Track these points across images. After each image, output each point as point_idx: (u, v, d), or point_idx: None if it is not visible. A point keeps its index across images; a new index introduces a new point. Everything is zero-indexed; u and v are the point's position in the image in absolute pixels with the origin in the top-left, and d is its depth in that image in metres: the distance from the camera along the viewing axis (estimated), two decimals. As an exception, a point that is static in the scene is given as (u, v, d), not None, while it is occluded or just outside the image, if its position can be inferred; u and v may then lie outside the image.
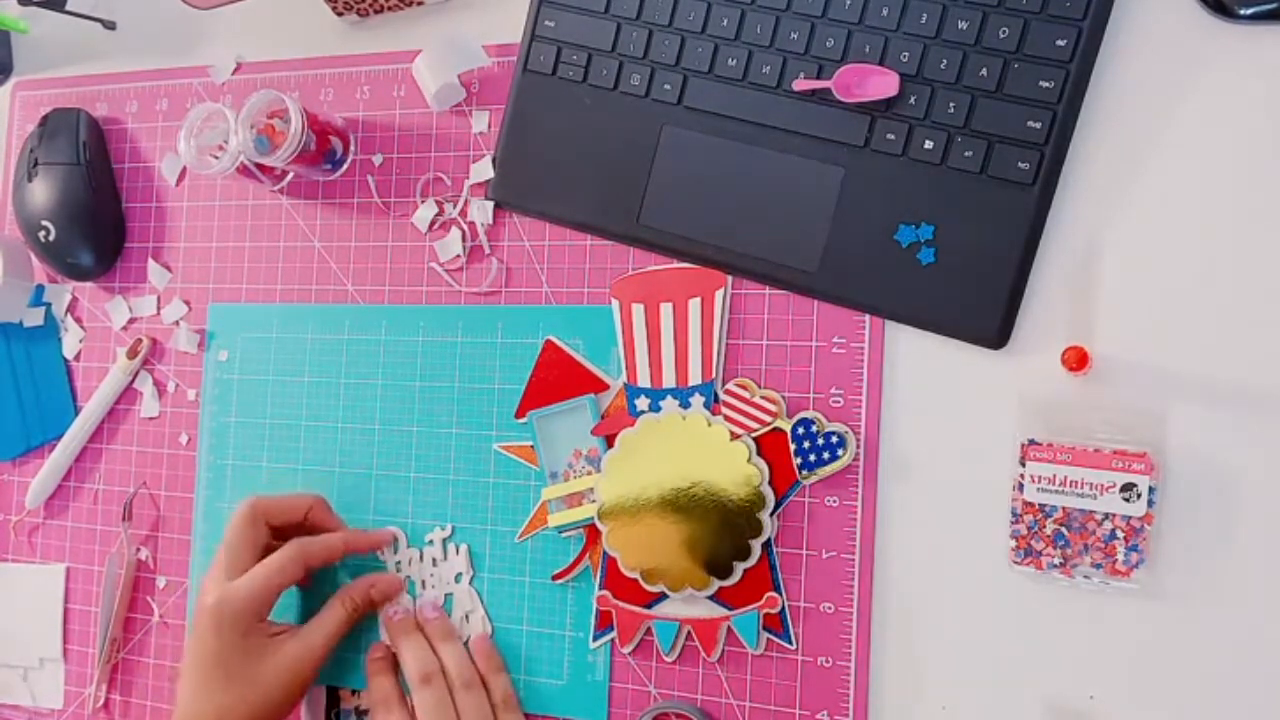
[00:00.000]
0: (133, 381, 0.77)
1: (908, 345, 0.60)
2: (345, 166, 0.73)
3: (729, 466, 0.61)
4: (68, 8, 0.80)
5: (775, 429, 0.61)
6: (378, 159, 0.73)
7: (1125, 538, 0.54)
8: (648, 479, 0.63)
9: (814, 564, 0.60)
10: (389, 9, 0.73)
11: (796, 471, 0.60)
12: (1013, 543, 0.56)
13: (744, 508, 0.61)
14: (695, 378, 0.63)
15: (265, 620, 0.65)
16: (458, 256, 0.70)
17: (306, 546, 0.66)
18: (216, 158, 0.72)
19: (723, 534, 0.61)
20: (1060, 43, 0.57)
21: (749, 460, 0.61)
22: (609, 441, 0.64)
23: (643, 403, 0.64)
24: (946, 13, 0.59)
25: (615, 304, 0.66)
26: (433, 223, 0.71)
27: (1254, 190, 0.55)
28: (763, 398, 0.62)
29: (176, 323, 0.77)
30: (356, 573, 0.69)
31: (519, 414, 0.67)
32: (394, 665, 0.66)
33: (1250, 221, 0.55)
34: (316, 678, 0.66)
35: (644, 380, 0.64)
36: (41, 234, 0.77)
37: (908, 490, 0.60)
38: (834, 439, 0.60)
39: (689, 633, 0.62)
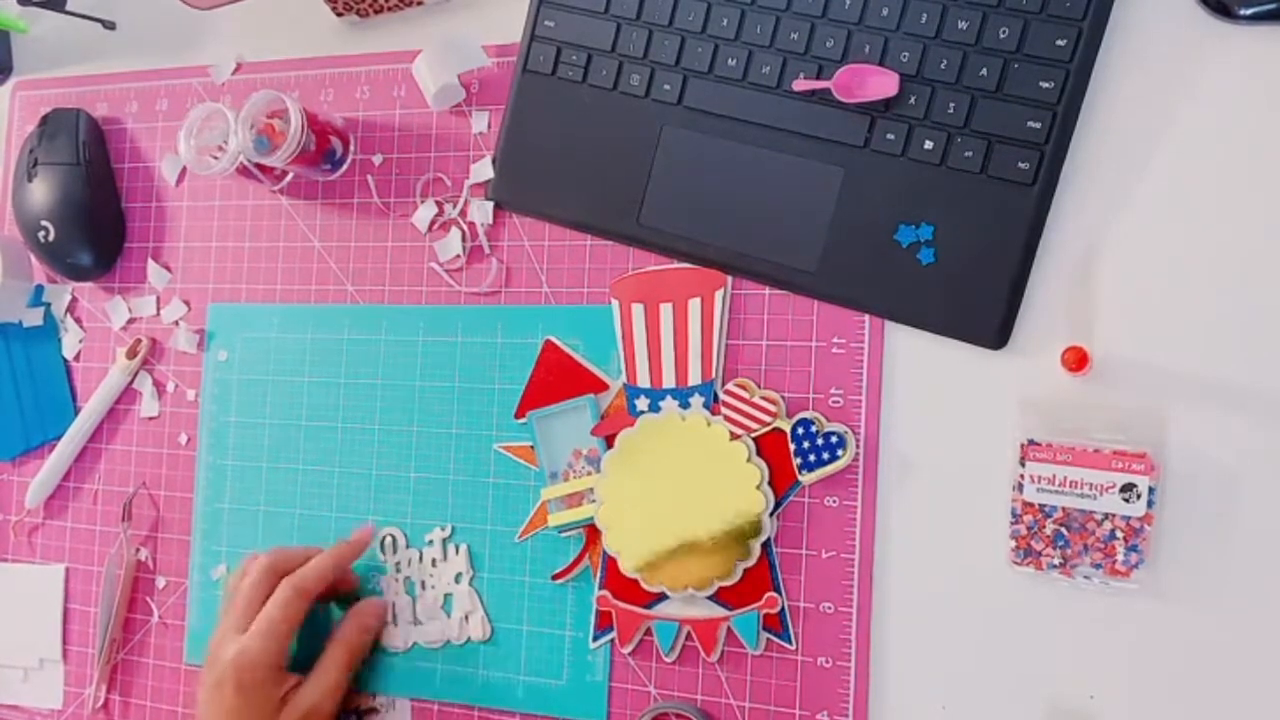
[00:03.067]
0: (132, 381, 0.77)
1: (908, 345, 0.60)
2: (345, 166, 0.73)
3: (728, 467, 0.61)
4: (68, 8, 0.80)
5: (775, 429, 0.61)
6: (378, 159, 0.73)
7: (1125, 538, 0.54)
8: (648, 479, 0.63)
9: (814, 564, 0.60)
10: (389, 9, 0.73)
11: (796, 472, 0.60)
12: (1013, 543, 0.56)
13: (744, 508, 0.60)
14: (695, 378, 0.63)
15: (281, 670, 0.63)
16: (457, 256, 0.70)
17: (300, 584, 0.64)
18: (216, 158, 0.72)
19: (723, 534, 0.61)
20: (1060, 43, 0.57)
21: (748, 460, 0.61)
22: (609, 441, 0.64)
23: (642, 403, 0.64)
24: (946, 13, 0.59)
25: (615, 304, 0.66)
26: (432, 223, 0.71)
27: (1254, 190, 0.55)
28: (762, 398, 0.62)
29: (176, 323, 0.77)
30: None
31: (519, 414, 0.67)
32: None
33: (1250, 221, 0.55)
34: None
35: (644, 380, 0.64)
36: (41, 234, 0.77)
37: (908, 490, 0.60)
38: (834, 439, 0.60)
39: (689, 633, 0.62)
